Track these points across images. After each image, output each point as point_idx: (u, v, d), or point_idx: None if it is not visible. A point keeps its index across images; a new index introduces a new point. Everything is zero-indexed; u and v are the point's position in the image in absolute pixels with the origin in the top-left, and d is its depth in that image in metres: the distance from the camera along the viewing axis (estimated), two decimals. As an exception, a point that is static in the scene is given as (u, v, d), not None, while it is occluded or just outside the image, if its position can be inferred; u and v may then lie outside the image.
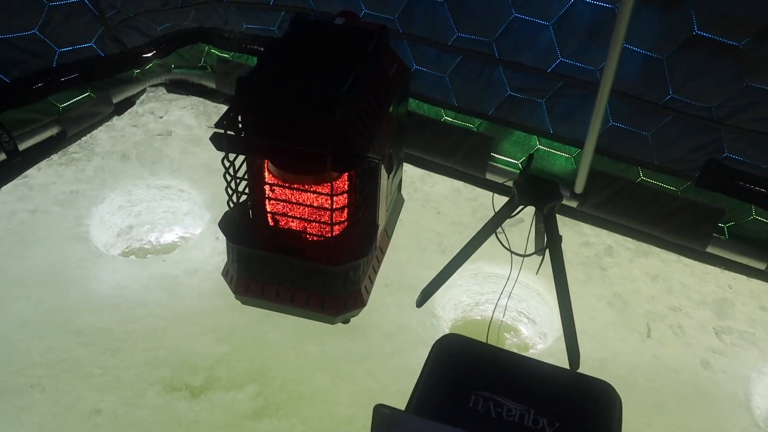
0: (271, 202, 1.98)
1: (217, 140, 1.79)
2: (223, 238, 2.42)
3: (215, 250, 2.38)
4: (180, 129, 2.99)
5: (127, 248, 2.59)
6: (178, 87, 3.19)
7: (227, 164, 1.90)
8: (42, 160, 2.69)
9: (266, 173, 1.95)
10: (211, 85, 3.14)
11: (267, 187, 1.95)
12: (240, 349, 2.04)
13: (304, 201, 1.92)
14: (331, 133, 1.72)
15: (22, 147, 2.53)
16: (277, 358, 2.01)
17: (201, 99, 3.18)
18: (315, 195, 1.89)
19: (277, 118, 1.76)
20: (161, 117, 3.06)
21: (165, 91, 3.19)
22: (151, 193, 2.69)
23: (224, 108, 3.12)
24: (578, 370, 2.03)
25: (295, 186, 1.90)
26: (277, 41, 1.95)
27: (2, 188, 2.53)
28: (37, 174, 2.64)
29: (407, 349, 2.08)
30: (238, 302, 2.16)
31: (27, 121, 2.55)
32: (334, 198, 1.83)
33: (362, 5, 2.57)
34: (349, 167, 1.78)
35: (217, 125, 1.83)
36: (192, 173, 2.72)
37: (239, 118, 1.80)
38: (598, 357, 2.13)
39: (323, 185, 1.85)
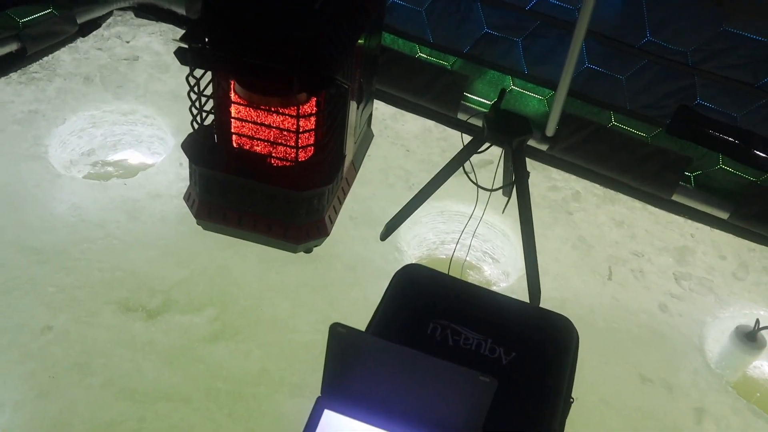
0: (236, 123, 1.93)
1: (181, 54, 1.73)
2: (187, 163, 2.37)
3: (179, 176, 2.33)
4: (147, 55, 2.89)
5: (87, 171, 2.52)
6: (147, 11, 3.07)
7: (192, 82, 1.84)
8: (0, 77, 2.59)
9: (232, 93, 1.89)
10: (182, 11, 3.03)
11: (232, 108, 1.89)
12: (200, 274, 2.01)
13: (270, 123, 1.87)
14: (300, 52, 1.66)
15: (-22, 61, 2.43)
16: (237, 284, 1.99)
17: (170, 26, 3.08)
18: (281, 117, 1.84)
19: (245, 33, 1.70)
20: (128, 42, 2.96)
21: (133, 15, 3.08)
22: (114, 117, 2.61)
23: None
24: (538, 307, 2.04)
25: (262, 107, 1.85)
26: (247, -43, 1.87)
27: (-43, 104, 2.44)
28: (-7, 91, 2.54)
29: (369, 281, 2.07)
30: (200, 228, 2.12)
31: (-16, 35, 2.44)
32: (301, 122, 1.79)
33: (339, -69, 2.48)
34: (317, 89, 1.73)
35: (182, 38, 1.76)
36: (158, 99, 2.65)
37: (205, 32, 1.74)
38: (559, 297, 2.15)
39: (290, 108, 1.80)
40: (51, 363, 1.71)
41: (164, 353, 1.78)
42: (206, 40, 1.74)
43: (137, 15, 3.09)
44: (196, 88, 1.86)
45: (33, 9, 2.58)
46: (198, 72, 1.81)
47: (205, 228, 2.10)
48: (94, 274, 1.95)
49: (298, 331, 1.90)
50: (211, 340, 1.83)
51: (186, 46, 1.75)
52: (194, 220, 2.12)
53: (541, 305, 2.04)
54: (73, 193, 2.20)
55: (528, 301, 2.02)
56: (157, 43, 2.98)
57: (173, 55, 2.57)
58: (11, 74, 2.62)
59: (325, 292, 2.02)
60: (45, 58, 2.75)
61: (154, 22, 3.08)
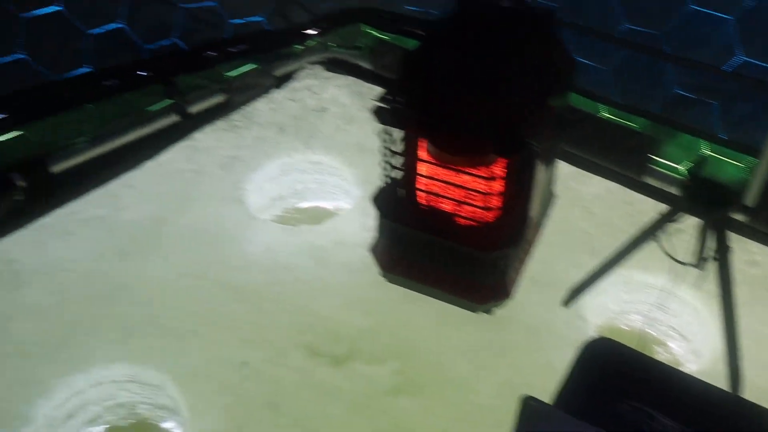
0: (425, 180, 1.98)
1: (379, 113, 1.81)
2: (372, 214, 2.46)
3: (363, 225, 2.42)
4: (335, 107, 3.06)
5: (278, 215, 2.70)
6: (336, 65, 3.25)
7: (386, 138, 1.92)
8: (207, 124, 2.84)
9: (422, 150, 1.94)
10: (367, 65, 3.18)
11: (422, 165, 1.95)
12: (383, 324, 2.06)
13: (459, 182, 1.90)
14: (495, 116, 1.68)
15: (191, 110, 2.68)
16: (419, 339, 2.02)
17: (356, 79, 3.24)
18: (471, 177, 1.86)
19: (441, 95, 1.75)
20: (317, 93, 3.14)
21: (323, 68, 3.27)
22: (304, 166, 2.77)
23: (379, 89, 3.15)
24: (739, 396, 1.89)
25: (452, 166, 1.88)
26: (444, 19, 1.94)
27: (172, 147, 2.70)
28: (203, 137, 2.79)
29: (551, 348, 2.02)
30: (383, 279, 2.18)
31: (198, 87, 2.69)
32: (490, 182, 1.80)
33: (531, -9, 2.51)
34: (512, 152, 1.74)
35: (379, 99, 1.84)
36: (344, 150, 2.78)
37: (403, 93, 1.81)
38: (763, 386, 1.97)
39: (480, 168, 1.83)
40: (247, 399, 1.82)
41: (349, 401, 1.83)
42: (403, 100, 1.81)
43: (327, 69, 3.29)
44: (389, 145, 1.93)
45: (239, 64, 2.83)
46: (392, 129, 1.89)
47: (388, 280, 2.15)
48: (284, 316, 2.06)
49: (479, 394, 1.88)
50: (394, 393, 1.86)
51: (384, 106, 1.83)
52: (378, 271, 2.18)
53: (742, 394, 1.89)
54: (266, 236, 2.35)
55: (727, 389, 1.88)
56: (344, 95, 3.14)
57: (359, 108, 2.66)
58: (216, 122, 2.88)
59: (507, 356, 1.99)
60: (245, 108, 2.99)
61: (341, 76, 3.25)
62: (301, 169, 2.77)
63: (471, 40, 1.77)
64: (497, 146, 1.68)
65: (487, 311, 2.06)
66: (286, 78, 3.17)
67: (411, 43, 2.90)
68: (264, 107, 3.01)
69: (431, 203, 1.96)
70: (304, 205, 2.77)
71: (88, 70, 2.47)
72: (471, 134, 1.71)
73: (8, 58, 2.26)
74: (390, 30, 2.98)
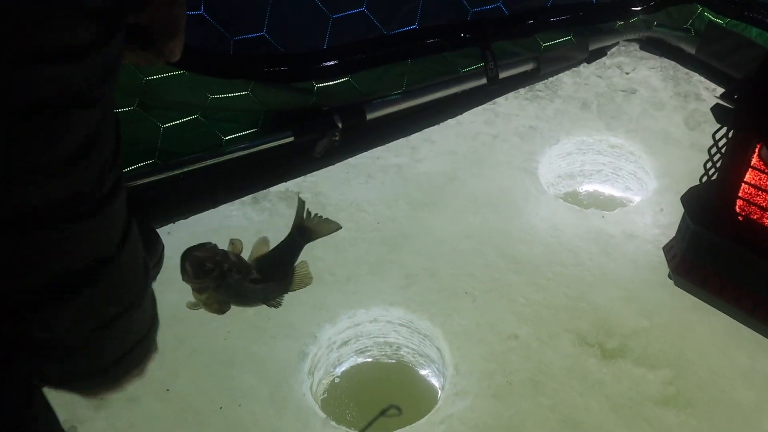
0: (749, 190, 1.80)
1: (721, 112, 1.67)
2: (668, 211, 2.31)
3: (656, 222, 2.28)
4: (644, 89, 2.89)
5: (566, 193, 2.66)
6: (653, 46, 3.06)
7: (718, 137, 1.77)
8: (511, 91, 2.86)
9: (754, 158, 1.77)
10: (690, 50, 2.93)
11: (752, 173, 1.77)
12: (661, 329, 1.94)
13: (794, 200, 1.70)
14: None
15: (500, 76, 2.72)
16: (699, 354, 1.87)
17: (673, 63, 3.01)
18: (810, 197, 1.65)
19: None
20: (627, 73, 2.99)
21: (638, 47, 3.09)
22: (601, 147, 2.68)
23: (696, 76, 2.91)
24: None
25: (790, 181, 1.68)
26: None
27: (473, 110, 2.78)
28: (504, 103, 2.83)
29: None
30: (671, 281, 2.06)
31: (511, 54, 2.71)
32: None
33: None
34: None
35: (723, 96, 1.70)
36: (648, 137, 2.63)
37: (752, 92, 1.64)
38: None
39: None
40: (510, 370, 1.86)
41: (612, 399, 1.78)
42: (749, 99, 1.65)
43: (642, 48, 3.10)
44: (719, 146, 1.78)
45: (555, 35, 2.78)
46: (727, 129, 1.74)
47: (677, 284, 2.03)
48: (560, 298, 2.04)
49: (758, 428, 1.71)
50: (662, 403, 1.76)
51: (725, 104, 1.69)
52: (666, 272, 2.06)
53: None
54: (553, 213, 2.34)
55: None
56: (655, 78, 2.95)
57: (670, 95, 2.46)
58: (520, 90, 2.89)
59: (802, 397, 1.77)
60: (550, 79, 2.95)
61: (656, 57, 3.05)
62: (598, 150, 2.68)
63: None
64: None
65: (790, 345, 1.84)
66: (599, 53, 3.06)
67: (753, 33, 2.60)
68: (569, 80, 2.95)
69: (753, 216, 1.78)
70: (593, 188, 2.69)
71: (414, 27, 2.62)
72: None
73: (350, 12, 2.49)
74: (731, 15, 2.70)
